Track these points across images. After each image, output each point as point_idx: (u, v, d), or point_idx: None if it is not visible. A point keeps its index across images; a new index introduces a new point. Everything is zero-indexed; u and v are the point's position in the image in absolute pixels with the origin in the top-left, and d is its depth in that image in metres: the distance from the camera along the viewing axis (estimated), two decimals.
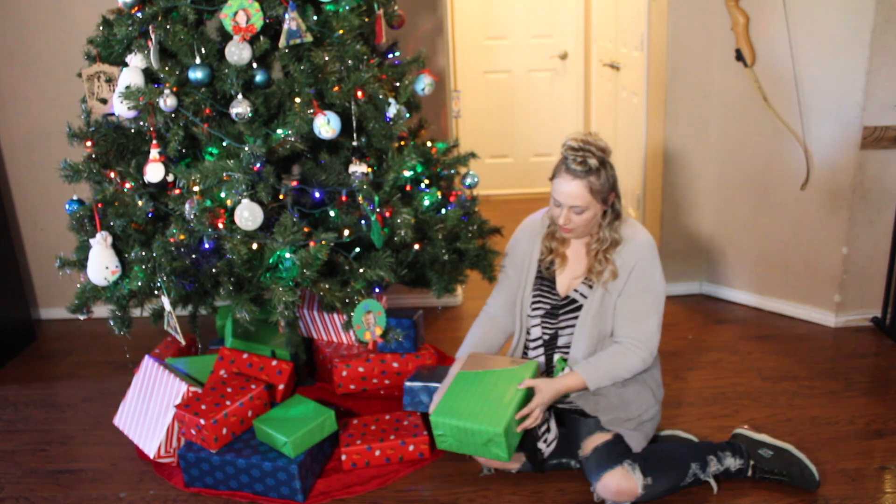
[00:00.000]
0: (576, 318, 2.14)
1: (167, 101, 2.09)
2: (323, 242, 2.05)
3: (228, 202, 2.05)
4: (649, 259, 2.09)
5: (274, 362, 2.46)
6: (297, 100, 2.12)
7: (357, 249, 2.23)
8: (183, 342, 2.38)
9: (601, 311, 2.12)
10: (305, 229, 2.10)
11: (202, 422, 2.14)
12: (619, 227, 2.10)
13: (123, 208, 2.23)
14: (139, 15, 2.13)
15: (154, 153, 2.15)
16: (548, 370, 2.22)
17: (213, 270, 2.18)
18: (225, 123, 2.18)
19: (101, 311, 2.38)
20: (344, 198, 2.22)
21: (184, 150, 2.21)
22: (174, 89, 2.11)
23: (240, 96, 2.09)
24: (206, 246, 2.13)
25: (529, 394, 2.03)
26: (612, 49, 4.21)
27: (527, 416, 2.01)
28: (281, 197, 2.18)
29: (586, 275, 2.14)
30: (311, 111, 2.09)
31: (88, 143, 2.26)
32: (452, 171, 2.54)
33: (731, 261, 3.36)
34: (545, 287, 2.21)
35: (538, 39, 5.07)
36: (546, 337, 2.20)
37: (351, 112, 2.18)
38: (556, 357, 2.19)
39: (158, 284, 2.16)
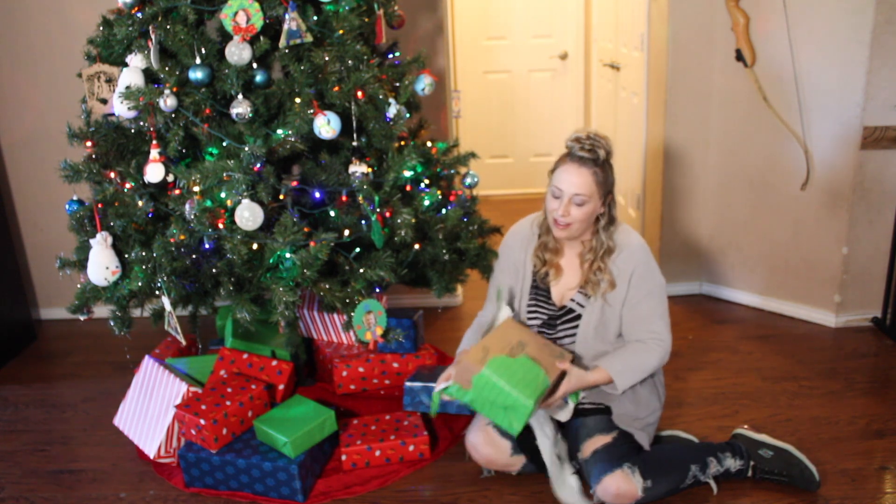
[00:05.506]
0: (574, 327, 2.13)
1: (167, 102, 2.09)
2: (323, 242, 2.05)
3: (228, 202, 2.06)
4: (645, 262, 2.08)
5: (274, 362, 2.45)
6: (297, 100, 2.12)
7: (357, 249, 2.23)
8: (183, 342, 2.38)
9: (602, 323, 2.10)
10: (305, 229, 2.10)
11: (202, 422, 2.14)
12: (613, 234, 2.09)
13: (123, 208, 2.23)
14: (139, 15, 2.13)
15: (154, 153, 2.15)
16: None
17: (214, 270, 2.18)
18: (225, 123, 2.18)
19: (102, 311, 2.38)
20: (344, 198, 2.22)
21: (184, 151, 2.20)
22: (174, 89, 2.11)
23: (240, 96, 2.09)
24: (207, 246, 2.13)
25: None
26: (612, 49, 4.21)
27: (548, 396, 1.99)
28: (281, 197, 2.18)
29: (581, 286, 2.12)
30: (311, 111, 2.09)
31: (88, 144, 2.25)
32: (452, 171, 2.54)
33: (731, 261, 3.36)
34: (541, 297, 2.18)
35: (538, 39, 5.07)
36: None
37: (351, 112, 2.18)
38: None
39: (158, 284, 2.16)
